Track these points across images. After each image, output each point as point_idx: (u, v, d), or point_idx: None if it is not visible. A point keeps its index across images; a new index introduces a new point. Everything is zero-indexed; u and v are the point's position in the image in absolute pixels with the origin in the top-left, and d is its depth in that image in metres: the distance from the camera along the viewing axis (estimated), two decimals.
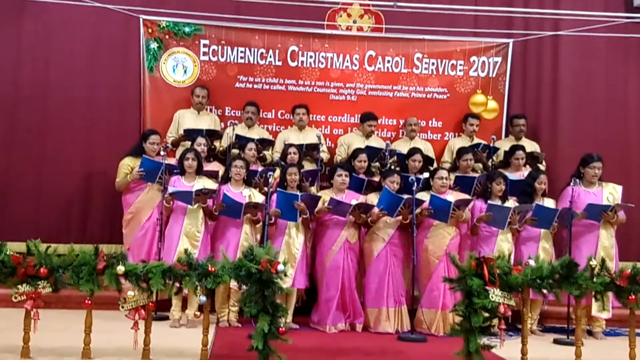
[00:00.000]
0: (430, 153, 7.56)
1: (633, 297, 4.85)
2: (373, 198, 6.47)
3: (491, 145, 7.40)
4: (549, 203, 6.59)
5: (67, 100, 7.58)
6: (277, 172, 6.65)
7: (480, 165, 7.44)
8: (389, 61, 7.99)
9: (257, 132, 7.41)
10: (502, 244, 6.41)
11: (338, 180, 6.46)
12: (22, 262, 4.53)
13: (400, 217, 6.28)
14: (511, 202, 6.52)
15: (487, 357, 4.75)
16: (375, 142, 7.51)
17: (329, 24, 8.01)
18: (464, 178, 6.92)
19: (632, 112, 8.17)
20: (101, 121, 7.61)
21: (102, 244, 5.58)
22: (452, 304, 5.59)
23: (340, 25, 8.05)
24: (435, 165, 7.31)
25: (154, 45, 7.64)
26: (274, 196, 6.24)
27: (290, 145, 7.04)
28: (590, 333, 6.50)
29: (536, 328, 6.57)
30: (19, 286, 4.53)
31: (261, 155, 7.20)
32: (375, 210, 6.27)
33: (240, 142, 7.01)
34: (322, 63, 7.93)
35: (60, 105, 7.57)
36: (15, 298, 4.53)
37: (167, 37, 7.69)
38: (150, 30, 7.65)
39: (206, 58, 7.76)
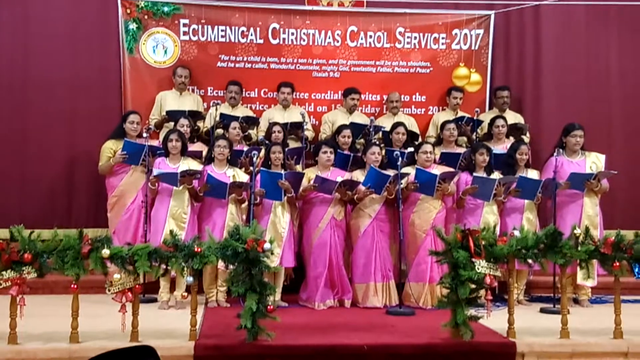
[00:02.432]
0: (415, 128, 7.56)
1: (617, 264, 4.90)
2: (358, 175, 6.47)
3: (475, 118, 7.40)
4: (532, 174, 6.63)
5: (47, 84, 7.49)
6: (263, 151, 6.62)
7: (465, 138, 7.45)
8: (371, 36, 7.95)
9: (241, 112, 7.37)
10: (488, 216, 6.45)
11: (323, 158, 6.45)
12: (5, 248, 4.50)
13: (386, 193, 6.29)
14: (496, 175, 6.54)
15: (474, 328, 4.80)
16: (359, 118, 7.50)
17: None
18: (450, 154, 6.91)
19: (614, 80, 8.18)
20: (82, 104, 7.54)
21: (87, 229, 5.54)
22: (439, 276, 5.61)
23: (321, 1, 7.98)
24: (420, 140, 7.31)
25: (132, 26, 7.55)
26: (259, 176, 6.22)
27: (275, 123, 7.01)
28: (576, 301, 6.57)
29: (523, 298, 6.63)
30: (4, 272, 4.49)
31: (246, 134, 7.16)
32: (362, 188, 6.27)
33: (225, 121, 6.96)
34: (304, 40, 7.88)
35: (40, 89, 7.48)
36: (0, 285, 4.51)
37: (146, 17, 7.60)
38: (128, 11, 7.56)
39: (186, 38, 7.68)
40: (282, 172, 6.28)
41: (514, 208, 6.60)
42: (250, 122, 7.20)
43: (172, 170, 6.17)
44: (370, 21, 7.93)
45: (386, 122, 7.44)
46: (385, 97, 7.83)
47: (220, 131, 6.95)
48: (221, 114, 7.07)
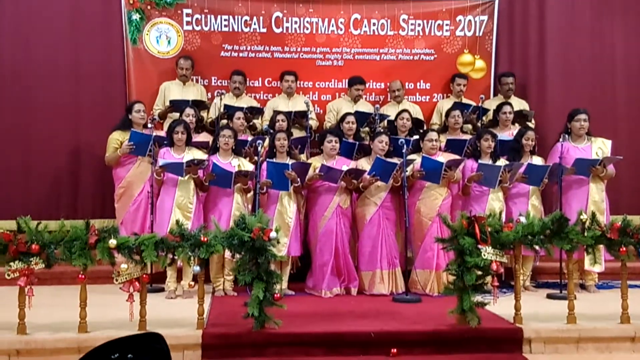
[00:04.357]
0: (419, 115, 7.53)
1: (624, 249, 4.89)
2: (364, 163, 6.47)
3: (480, 104, 7.37)
4: (537, 161, 6.61)
5: (51, 76, 7.49)
6: (267, 141, 6.62)
7: (470, 126, 7.42)
8: (374, 24, 7.91)
9: (246, 102, 7.36)
10: (494, 202, 6.43)
11: (328, 147, 6.44)
12: (13, 239, 4.52)
13: (392, 181, 6.29)
14: (502, 161, 6.52)
15: (481, 315, 4.81)
16: (364, 106, 7.48)
17: None
18: (455, 141, 6.89)
19: (619, 65, 8.13)
20: (86, 96, 7.54)
21: (93, 219, 5.60)
22: (445, 263, 5.62)
23: None
24: (425, 127, 7.28)
25: (135, 16, 7.53)
26: (264, 165, 6.22)
27: (279, 112, 7.00)
28: (583, 287, 6.56)
29: (529, 284, 6.63)
30: (12, 263, 4.52)
31: (251, 124, 7.16)
32: (367, 176, 6.27)
33: (229, 111, 6.95)
34: (307, 28, 7.85)
35: (44, 81, 7.48)
36: (9, 275, 4.53)
37: (148, 7, 7.58)
38: (131, 1, 7.53)
39: (190, 28, 7.66)
40: (289, 161, 6.29)
41: (519, 194, 6.58)
42: (255, 112, 7.19)
43: (177, 160, 6.17)
44: (373, 9, 7.89)
45: (390, 111, 7.42)
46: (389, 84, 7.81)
47: (225, 121, 6.94)
48: (225, 105, 7.06)
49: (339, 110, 7.45)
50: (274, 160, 6.31)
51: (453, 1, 7.93)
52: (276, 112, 7.01)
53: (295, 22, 7.81)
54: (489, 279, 4.94)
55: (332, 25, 7.87)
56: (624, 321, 4.96)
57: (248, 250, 4.67)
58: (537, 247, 4.95)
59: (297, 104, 7.38)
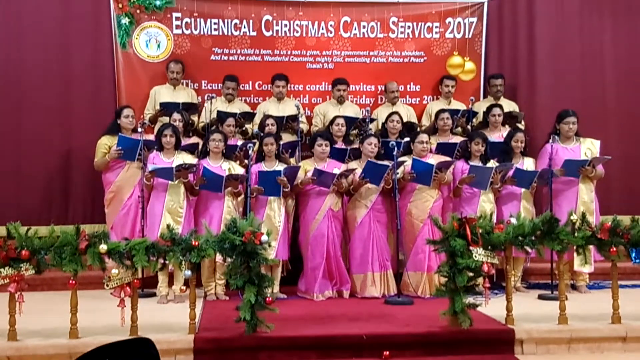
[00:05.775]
0: (413, 118, 7.55)
1: (614, 249, 4.91)
2: (354, 165, 6.47)
3: (470, 107, 7.38)
4: (528, 162, 6.63)
5: (41, 80, 7.47)
6: (257, 144, 6.60)
7: (460, 129, 7.44)
8: (364, 27, 7.92)
9: (238, 107, 7.34)
10: (485, 204, 6.45)
11: (318, 150, 6.45)
12: (2, 245, 4.49)
13: (383, 183, 6.29)
14: (492, 163, 6.54)
15: (473, 316, 4.82)
16: (350, 108, 7.50)
17: None
18: (446, 144, 6.90)
19: (608, 66, 8.17)
20: (76, 100, 7.51)
21: (84, 224, 5.56)
22: (437, 265, 5.62)
23: None
24: (418, 129, 7.29)
25: (125, 20, 7.51)
26: (254, 168, 6.22)
27: (268, 116, 6.99)
28: (574, 287, 6.59)
29: (520, 285, 6.64)
30: (2, 270, 4.49)
31: (243, 128, 7.15)
32: (357, 178, 6.26)
33: (222, 117, 6.93)
34: (297, 31, 7.85)
35: (33, 85, 7.46)
36: None
37: (138, 11, 7.56)
38: (120, 5, 7.52)
39: (179, 31, 7.65)
40: (278, 165, 6.28)
41: (510, 196, 6.60)
42: (248, 117, 7.18)
43: (167, 165, 6.15)
44: (363, 11, 7.91)
45: (385, 112, 7.41)
46: (380, 87, 7.82)
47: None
48: (218, 111, 7.04)
49: (325, 113, 7.45)
50: (264, 164, 6.31)
51: (442, 3, 7.96)
52: (265, 116, 7.00)
53: (285, 25, 7.81)
54: (480, 280, 4.96)
55: (322, 28, 7.88)
56: (615, 321, 4.98)
57: (239, 254, 4.66)
58: (527, 248, 4.96)
59: (288, 107, 7.37)
